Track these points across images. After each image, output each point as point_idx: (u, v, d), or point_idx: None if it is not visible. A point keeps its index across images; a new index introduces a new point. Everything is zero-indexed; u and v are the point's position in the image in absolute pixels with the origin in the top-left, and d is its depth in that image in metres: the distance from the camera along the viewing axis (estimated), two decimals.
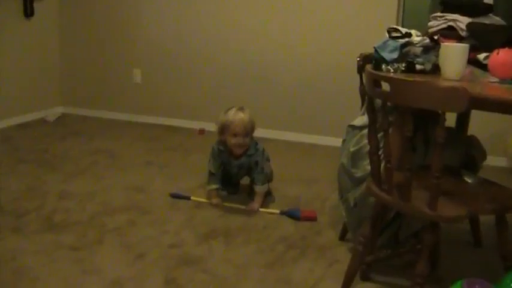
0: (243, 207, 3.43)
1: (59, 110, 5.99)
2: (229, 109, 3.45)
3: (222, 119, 3.42)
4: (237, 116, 3.38)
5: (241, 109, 3.44)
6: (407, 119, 2.00)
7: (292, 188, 3.84)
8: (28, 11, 5.41)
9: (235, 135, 3.37)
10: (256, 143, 3.51)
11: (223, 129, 3.41)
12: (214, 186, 3.51)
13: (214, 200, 3.47)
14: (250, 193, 3.61)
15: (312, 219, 3.29)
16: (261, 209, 3.40)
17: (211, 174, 3.52)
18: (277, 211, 3.37)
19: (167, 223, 3.18)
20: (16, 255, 2.72)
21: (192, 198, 3.53)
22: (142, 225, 3.13)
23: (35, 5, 5.47)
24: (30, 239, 2.91)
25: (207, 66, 5.36)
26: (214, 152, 3.51)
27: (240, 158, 3.49)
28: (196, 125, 5.42)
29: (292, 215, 3.32)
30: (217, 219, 3.27)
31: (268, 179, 3.59)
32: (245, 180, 3.71)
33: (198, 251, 2.84)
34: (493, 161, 3.89)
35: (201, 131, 5.28)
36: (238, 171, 3.57)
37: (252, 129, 3.43)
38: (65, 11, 5.87)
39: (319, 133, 5.06)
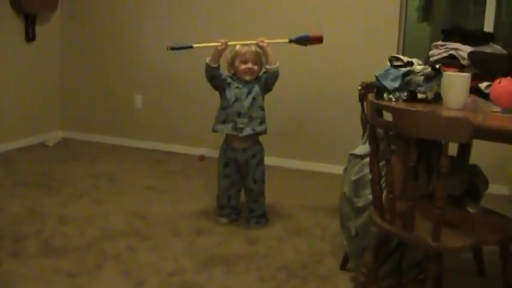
0: (252, 42, 3.44)
1: (59, 134, 5.98)
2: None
3: (230, 53, 3.51)
4: (244, 46, 3.47)
5: (247, 43, 3.50)
6: (410, 149, 1.99)
7: (294, 215, 3.82)
8: (29, 35, 5.43)
9: (245, 62, 3.45)
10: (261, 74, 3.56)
11: (233, 59, 3.49)
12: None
13: (221, 41, 3.44)
14: (249, 220, 3.59)
15: (320, 40, 3.51)
16: (268, 41, 3.43)
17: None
18: (286, 40, 3.47)
19: (167, 249, 3.16)
20: (14, 280, 2.69)
21: (194, 46, 3.55)
22: (142, 252, 3.11)
23: (37, 29, 5.50)
24: (28, 264, 2.89)
25: (208, 93, 5.34)
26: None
27: (247, 84, 3.50)
28: (196, 151, 5.41)
29: (301, 39, 3.49)
30: (217, 246, 3.25)
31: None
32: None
33: (197, 278, 2.82)
34: (494, 189, 3.87)
35: (201, 157, 5.26)
36: (246, 96, 3.49)
37: (260, 58, 3.49)
38: (67, 36, 5.89)
39: (321, 161, 5.04)
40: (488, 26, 4.50)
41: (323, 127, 5.02)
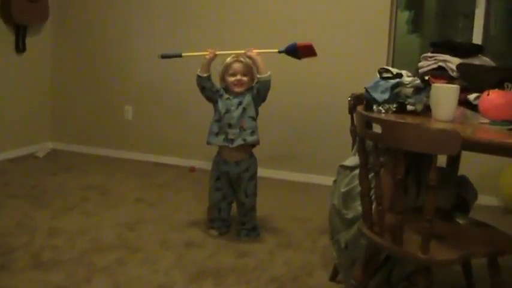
0: (240, 52, 3.45)
1: (49, 145, 5.96)
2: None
3: (221, 66, 3.51)
4: (234, 60, 3.48)
5: (239, 56, 3.51)
6: (399, 162, 1.99)
7: (284, 226, 3.81)
8: (20, 47, 5.42)
9: (233, 74, 3.45)
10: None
11: (223, 73, 3.49)
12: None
13: (209, 50, 3.47)
14: (239, 232, 3.59)
15: (310, 49, 3.51)
16: (259, 50, 3.44)
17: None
18: (276, 50, 3.47)
19: (157, 262, 3.14)
20: None
21: (183, 54, 3.57)
22: (132, 264, 3.10)
23: (28, 40, 5.49)
24: (18, 277, 2.87)
25: (199, 104, 5.33)
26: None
27: (239, 96, 3.49)
28: (187, 163, 5.40)
29: (291, 48, 3.49)
30: (207, 258, 3.23)
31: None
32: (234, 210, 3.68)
33: None
34: (484, 200, 3.88)
35: (192, 169, 5.26)
36: (236, 108, 3.47)
37: (251, 70, 3.48)
38: (57, 48, 5.89)
39: (311, 172, 5.05)
40: (477, 39, 4.53)
41: (314, 139, 5.02)
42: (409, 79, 2.51)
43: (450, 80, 2.64)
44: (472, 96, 2.49)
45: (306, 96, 4.99)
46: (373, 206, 2.26)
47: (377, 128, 2.12)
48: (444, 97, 2.29)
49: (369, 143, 2.22)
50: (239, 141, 3.43)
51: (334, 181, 2.88)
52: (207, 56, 3.46)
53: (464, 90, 2.46)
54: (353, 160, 2.73)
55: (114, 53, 5.67)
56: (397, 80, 2.50)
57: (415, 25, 6.29)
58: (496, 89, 2.29)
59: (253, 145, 3.55)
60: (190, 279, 2.94)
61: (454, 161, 2.91)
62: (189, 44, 5.27)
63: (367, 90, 2.52)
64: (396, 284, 2.74)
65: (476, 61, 2.74)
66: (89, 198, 4.28)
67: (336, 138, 4.85)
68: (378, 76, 2.57)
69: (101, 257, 3.17)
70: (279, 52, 3.48)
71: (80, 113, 5.91)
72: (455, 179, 2.85)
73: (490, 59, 2.82)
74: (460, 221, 2.42)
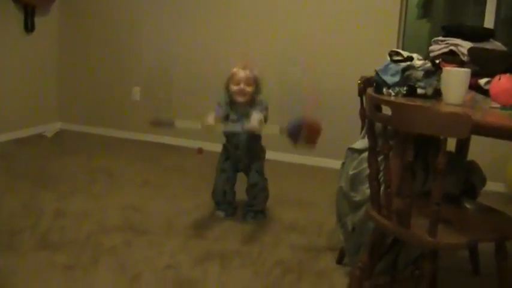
0: (240, 129, 3.38)
1: (57, 125, 5.98)
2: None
3: (228, 74, 3.52)
4: (240, 69, 3.48)
5: (246, 65, 3.51)
6: (408, 145, 1.98)
7: (290, 210, 3.81)
8: (29, 27, 5.42)
9: (237, 83, 3.44)
10: (262, 100, 3.54)
11: (228, 81, 3.50)
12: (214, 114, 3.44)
13: (209, 119, 3.36)
14: (246, 214, 3.59)
15: (317, 133, 3.28)
16: (258, 126, 3.32)
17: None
18: (277, 130, 3.33)
19: (163, 244, 3.14)
20: (10, 273, 2.68)
21: (176, 124, 3.51)
22: (138, 246, 3.10)
23: (36, 20, 5.48)
24: (24, 257, 2.87)
25: (207, 86, 5.35)
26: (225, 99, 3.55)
27: (244, 111, 3.45)
28: (194, 144, 5.39)
29: (292, 133, 3.26)
30: (213, 241, 3.23)
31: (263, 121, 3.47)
32: (241, 195, 3.67)
33: (193, 274, 2.80)
34: (492, 186, 3.86)
35: (200, 151, 5.25)
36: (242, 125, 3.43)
37: (256, 81, 3.48)
38: (66, 27, 5.88)
39: (319, 155, 5.03)
40: (489, 24, 4.48)
41: (322, 122, 4.99)
42: (420, 62, 2.48)
43: (461, 64, 2.61)
44: (482, 81, 2.47)
45: (314, 79, 4.96)
46: (381, 189, 2.25)
47: (386, 111, 2.10)
48: (455, 80, 2.26)
49: (378, 126, 2.20)
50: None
51: (342, 164, 2.87)
52: (207, 122, 3.36)
53: (475, 75, 2.44)
54: (362, 143, 2.72)
55: (122, 33, 5.65)
56: (408, 63, 2.48)
57: (426, 10, 6.24)
58: (507, 74, 2.26)
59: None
60: (196, 261, 2.94)
61: (463, 146, 2.89)
62: (197, 23, 5.27)
63: (377, 73, 2.50)
64: (402, 268, 2.73)
65: (487, 45, 2.71)
66: (96, 180, 4.28)
67: (344, 122, 4.82)
68: (389, 59, 2.54)
69: (108, 239, 3.17)
70: (281, 133, 3.30)
71: (87, 93, 5.92)
72: (464, 164, 2.83)
73: (501, 44, 2.80)
74: (468, 206, 2.41)
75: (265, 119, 3.50)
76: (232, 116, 3.49)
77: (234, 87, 3.45)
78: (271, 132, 3.34)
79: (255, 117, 3.29)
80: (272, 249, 3.17)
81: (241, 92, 3.44)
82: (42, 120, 5.79)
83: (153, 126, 3.39)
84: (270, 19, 5.02)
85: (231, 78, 3.48)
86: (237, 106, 3.48)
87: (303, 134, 3.20)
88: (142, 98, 5.68)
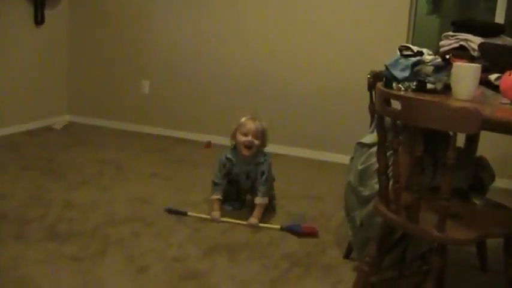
0: (242, 222, 3.39)
1: (66, 118, 6.00)
2: (244, 116, 3.55)
3: (236, 124, 3.51)
4: (249, 119, 3.49)
5: (255, 117, 3.53)
6: (418, 139, 1.97)
7: (298, 204, 3.81)
8: (39, 19, 5.43)
9: (245, 134, 3.42)
10: (266, 154, 3.53)
11: (236, 130, 3.48)
12: (216, 196, 3.49)
13: (214, 213, 3.42)
14: (251, 207, 3.58)
15: (313, 234, 3.27)
16: (261, 224, 3.37)
17: (214, 184, 3.52)
18: (278, 226, 3.35)
19: (171, 236, 3.16)
20: (18, 263, 2.70)
21: (188, 213, 3.47)
22: (146, 238, 3.11)
23: (46, 13, 5.50)
24: (33, 247, 2.89)
25: (216, 79, 5.36)
26: (222, 161, 3.52)
27: (248, 165, 3.49)
28: (203, 137, 5.40)
29: (293, 230, 3.30)
30: (221, 234, 3.24)
31: (270, 195, 3.56)
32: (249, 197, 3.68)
33: (201, 265, 2.81)
34: (501, 183, 3.85)
35: (208, 144, 5.26)
36: (245, 180, 3.54)
37: (263, 135, 3.48)
38: (75, 20, 5.89)
39: (327, 150, 5.04)
40: (500, 19, 4.46)
41: (331, 116, 5.00)
42: (430, 57, 2.47)
43: (471, 60, 2.60)
44: (493, 77, 2.46)
45: (323, 74, 4.96)
46: (390, 184, 2.25)
47: (396, 106, 2.09)
48: (465, 76, 2.25)
49: (388, 121, 2.19)
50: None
51: (351, 158, 2.87)
52: (211, 217, 3.42)
53: (486, 70, 2.43)
54: (371, 137, 2.72)
55: (131, 26, 5.66)
56: (418, 58, 2.47)
57: (436, 5, 6.21)
58: None
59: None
60: (204, 253, 2.95)
61: (471, 142, 2.88)
62: (208, 17, 5.26)
63: (387, 68, 2.49)
64: (410, 263, 2.73)
65: (498, 41, 2.70)
66: (104, 171, 4.30)
67: (352, 116, 4.83)
68: (398, 53, 2.53)
69: (116, 230, 3.19)
70: (281, 229, 3.33)
71: (97, 86, 5.93)
72: (473, 160, 2.83)
73: None
74: (477, 202, 2.40)
75: (272, 194, 3.62)
76: (235, 170, 3.52)
77: (241, 138, 3.44)
78: (273, 227, 3.37)
79: (256, 215, 3.41)
80: (280, 242, 3.17)
81: (250, 144, 3.43)
82: (51, 113, 5.81)
83: (167, 212, 3.43)
84: (280, 16, 5.01)
85: (239, 128, 3.47)
86: (240, 156, 3.50)
87: (302, 233, 3.28)
88: (151, 91, 5.68)
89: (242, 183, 3.58)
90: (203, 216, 3.45)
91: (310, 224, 3.41)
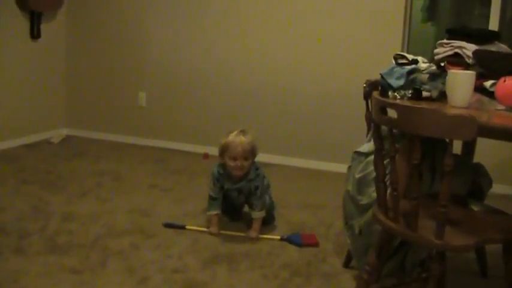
0: (241, 234, 3.38)
1: (64, 131, 6.00)
2: (230, 131, 3.38)
3: (222, 141, 3.35)
4: (237, 139, 3.30)
5: (242, 132, 3.36)
6: (416, 147, 1.99)
7: (297, 214, 3.82)
8: (35, 33, 5.44)
9: (234, 158, 3.29)
10: (257, 168, 3.43)
11: (223, 151, 3.33)
12: (214, 212, 3.43)
13: (212, 229, 3.40)
14: (249, 220, 3.57)
15: (313, 244, 3.27)
16: (260, 235, 3.37)
17: (211, 198, 3.44)
18: (278, 237, 3.35)
19: (171, 247, 3.16)
20: (18, 277, 2.70)
21: (187, 227, 3.45)
22: (146, 249, 3.12)
23: (42, 27, 5.51)
24: (33, 260, 2.89)
25: (213, 90, 5.38)
26: (214, 175, 3.42)
27: (240, 182, 3.40)
28: (200, 149, 5.41)
29: (293, 241, 3.30)
30: (221, 244, 3.25)
31: (267, 206, 3.48)
32: (247, 207, 3.67)
33: (201, 276, 2.82)
34: (498, 189, 3.86)
35: (206, 155, 5.27)
36: (238, 196, 3.47)
37: (253, 153, 3.34)
38: (72, 34, 5.90)
39: (325, 159, 5.04)
40: (494, 26, 4.49)
41: (328, 126, 5.01)
42: (425, 65, 2.49)
43: (466, 67, 2.61)
44: (488, 83, 2.47)
45: (318, 83, 4.98)
46: (388, 192, 2.26)
47: (392, 114, 2.11)
48: (460, 83, 2.27)
49: (384, 129, 2.21)
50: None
51: (349, 167, 2.88)
52: (210, 231, 3.40)
53: (481, 77, 2.44)
54: (368, 146, 2.73)
55: (128, 39, 5.68)
56: (413, 66, 2.49)
57: (430, 13, 6.24)
58: None
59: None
60: (204, 264, 2.96)
61: (469, 148, 2.90)
62: (204, 29, 5.28)
63: (382, 76, 2.51)
64: (410, 270, 2.74)
65: (492, 48, 2.71)
66: (103, 183, 4.31)
67: (349, 125, 4.84)
68: (394, 62, 2.55)
69: (115, 242, 3.19)
70: (281, 239, 3.34)
71: (94, 99, 5.94)
72: (470, 166, 2.84)
73: (506, 46, 2.80)
74: (475, 208, 2.42)
75: (271, 205, 3.55)
76: (227, 186, 3.42)
77: (230, 163, 3.31)
78: (272, 238, 3.37)
79: (255, 228, 3.39)
80: (280, 251, 3.18)
81: (239, 169, 3.32)
82: (49, 127, 5.82)
83: (165, 227, 3.42)
84: (276, 24, 5.04)
85: (226, 151, 3.31)
86: (231, 174, 3.40)
87: (303, 244, 3.28)
88: (148, 103, 5.70)
89: (234, 199, 3.51)
90: (201, 229, 3.44)
91: (309, 232, 3.42)
